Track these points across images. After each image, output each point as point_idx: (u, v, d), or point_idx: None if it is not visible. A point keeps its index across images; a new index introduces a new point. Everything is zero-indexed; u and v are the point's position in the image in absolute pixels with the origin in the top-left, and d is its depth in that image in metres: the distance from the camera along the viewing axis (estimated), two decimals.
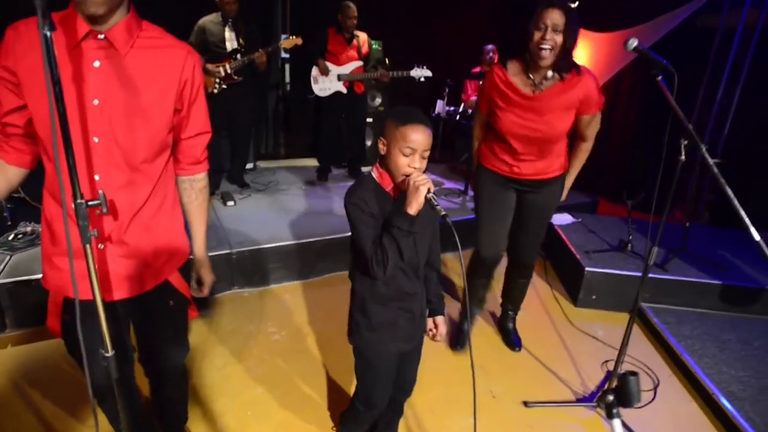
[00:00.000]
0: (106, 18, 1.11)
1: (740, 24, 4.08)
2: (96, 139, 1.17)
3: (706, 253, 3.31)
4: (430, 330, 1.63)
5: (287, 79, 5.89)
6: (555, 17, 1.85)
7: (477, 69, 4.87)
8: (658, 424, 2.16)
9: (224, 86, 3.65)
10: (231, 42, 3.66)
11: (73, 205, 0.93)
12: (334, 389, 2.23)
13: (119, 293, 1.29)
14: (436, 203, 1.27)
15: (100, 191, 0.98)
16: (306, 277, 3.23)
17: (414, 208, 1.28)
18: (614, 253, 3.30)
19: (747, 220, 1.67)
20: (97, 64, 1.14)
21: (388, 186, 1.40)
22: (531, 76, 2.02)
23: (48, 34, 0.80)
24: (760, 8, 4.03)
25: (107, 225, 1.23)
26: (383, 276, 1.35)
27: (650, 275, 3.04)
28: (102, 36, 1.13)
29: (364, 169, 4.85)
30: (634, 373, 1.04)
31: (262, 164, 5.10)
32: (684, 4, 4.50)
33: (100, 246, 1.23)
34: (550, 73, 2.01)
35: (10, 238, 2.81)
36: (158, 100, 1.22)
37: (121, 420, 1.20)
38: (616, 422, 1.08)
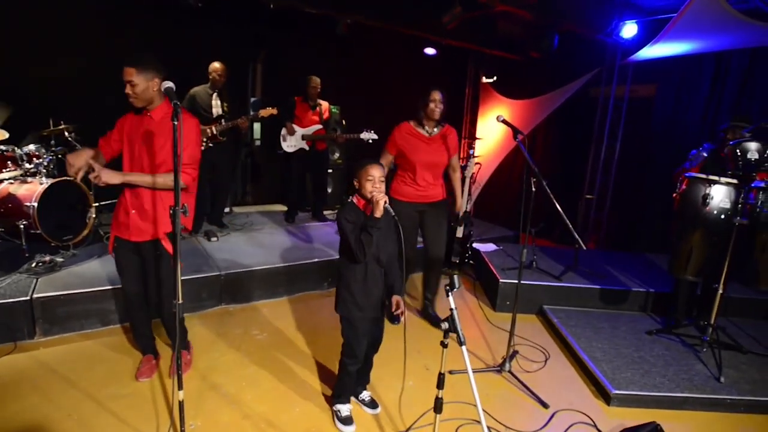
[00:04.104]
0: (145, 108, 2.29)
1: (612, 95, 5.38)
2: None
3: (592, 267, 4.31)
4: (394, 307, 2.31)
5: (256, 136, 6.76)
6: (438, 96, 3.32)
7: None
8: (547, 383, 2.98)
9: (210, 144, 4.44)
10: (216, 108, 4.51)
11: (171, 211, 1.73)
12: (309, 365, 2.93)
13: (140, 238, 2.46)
14: (390, 211, 2.13)
15: (185, 204, 1.77)
16: (281, 296, 3.96)
17: (378, 213, 2.10)
18: (524, 269, 4.22)
19: (575, 233, 2.63)
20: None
21: (362, 206, 2.24)
22: (425, 127, 3.37)
23: (175, 123, 1.62)
24: (624, 84, 5.36)
25: (144, 203, 2.38)
26: (364, 259, 2.15)
27: (549, 284, 4.00)
28: (149, 114, 2.23)
29: (326, 212, 5.70)
30: (457, 273, 1.92)
31: (236, 209, 5.83)
32: (577, 79, 5.82)
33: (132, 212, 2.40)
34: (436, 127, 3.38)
35: (33, 265, 3.41)
36: (167, 142, 2.28)
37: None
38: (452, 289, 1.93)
